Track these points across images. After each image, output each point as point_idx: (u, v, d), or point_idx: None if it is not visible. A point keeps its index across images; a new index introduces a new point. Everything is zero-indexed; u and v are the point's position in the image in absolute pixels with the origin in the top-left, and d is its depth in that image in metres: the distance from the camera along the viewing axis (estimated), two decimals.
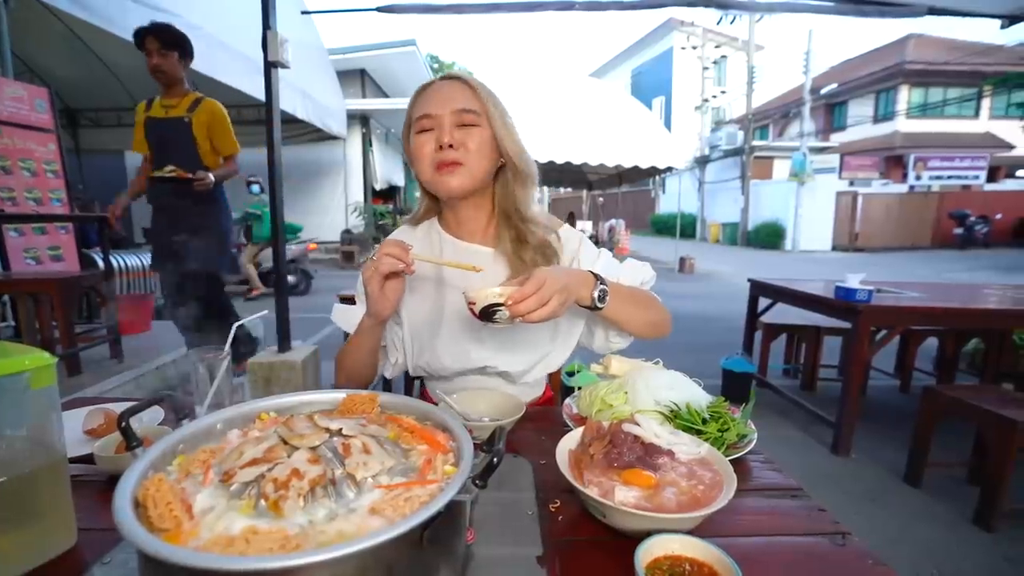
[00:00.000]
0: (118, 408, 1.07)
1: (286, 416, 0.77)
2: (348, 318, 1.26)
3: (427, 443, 0.68)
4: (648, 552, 0.62)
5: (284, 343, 3.31)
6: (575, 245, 1.28)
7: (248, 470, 0.58)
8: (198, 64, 4.40)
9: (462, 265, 1.06)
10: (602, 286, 1.04)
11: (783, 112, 25.60)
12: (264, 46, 3.12)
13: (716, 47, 26.22)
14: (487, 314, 0.93)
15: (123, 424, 0.63)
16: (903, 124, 21.76)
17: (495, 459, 0.56)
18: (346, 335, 1.33)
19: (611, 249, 17.28)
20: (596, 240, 19.91)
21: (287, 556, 0.45)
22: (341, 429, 0.66)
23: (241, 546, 0.48)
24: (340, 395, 0.83)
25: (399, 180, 15.63)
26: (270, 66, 3.17)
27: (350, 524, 0.52)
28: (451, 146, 1.10)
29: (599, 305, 1.04)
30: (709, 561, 0.61)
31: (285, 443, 0.63)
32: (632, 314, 1.14)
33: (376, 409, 0.79)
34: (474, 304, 0.93)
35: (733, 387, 3.69)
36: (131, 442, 0.63)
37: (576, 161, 9.39)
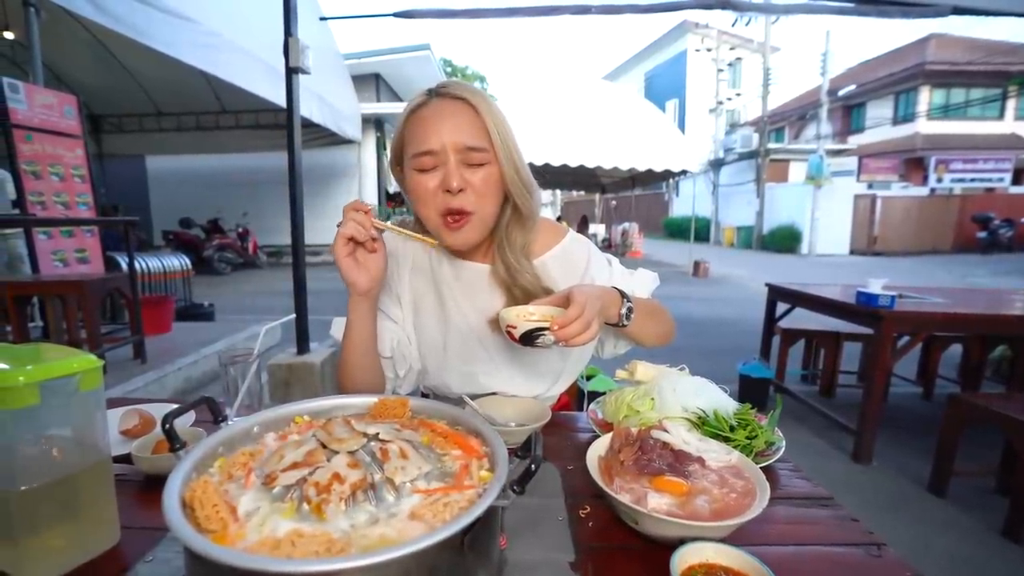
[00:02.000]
0: (152, 409, 1.10)
1: (320, 419, 0.78)
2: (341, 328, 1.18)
3: (460, 448, 0.69)
4: (683, 559, 0.62)
5: (303, 345, 3.34)
6: (582, 258, 1.22)
7: (290, 473, 0.59)
8: (217, 69, 4.48)
9: (421, 238, 1.06)
10: (629, 303, 1.04)
11: (799, 114, 25.38)
12: (286, 53, 3.17)
13: (731, 49, 26.14)
14: (527, 337, 0.91)
15: (167, 426, 0.65)
16: (924, 126, 21.44)
17: (533, 465, 0.57)
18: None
19: (624, 253, 17.15)
20: (609, 243, 19.89)
21: (334, 560, 0.46)
22: (378, 433, 0.67)
23: (287, 548, 0.49)
24: (371, 399, 0.84)
25: None
26: (291, 72, 3.22)
27: (392, 529, 0.53)
28: (461, 189, 1.01)
29: (625, 323, 1.04)
30: (744, 569, 0.61)
31: (324, 447, 0.64)
32: (648, 328, 1.15)
33: (407, 413, 0.80)
34: (514, 328, 0.92)
35: (751, 392, 3.67)
36: (174, 444, 0.65)
37: (589, 164, 9.38)
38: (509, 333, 0.93)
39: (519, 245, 1.14)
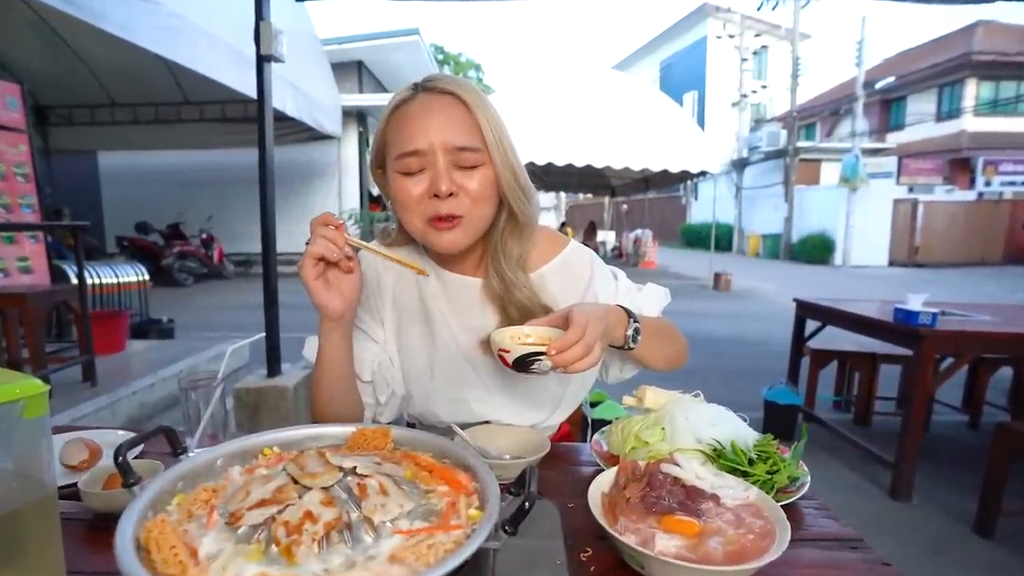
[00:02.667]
0: (101, 438, 1.11)
1: (291, 452, 0.79)
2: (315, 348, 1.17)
3: (448, 483, 0.70)
4: None
5: (273, 366, 3.35)
6: (584, 271, 1.23)
7: (256, 512, 0.60)
8: (180, 56, 4.51)
9: (409, 264, 1.05)
10: (636, 324, 1.05)
11: (832, 109, 25.62)
12: (257, 38, 3.20)
13: (756, 36, 26.33)
14: (522, 363, 0.91)
15: (120, 458, 0.66)
16: (970, 122, 21.64)
17: (527, 503, 0.58)
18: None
19: (636, 263, 17.20)
20: (620, 252, 19.95)
21: None
22: (355, 467, 0.68)
23: None
24: (348, 429, 0.85)
25: None
26: (263, 60, 3.25)
27: (370, 573, 0.54)
28: (451, 194, 1.02)
29: (631, 346, 1.05)
30: None
31: (295, 482, 0.65)
32: (657, 350, 1.16)
33: (389, 445, 0.81)
34: (507, 352, 0.92)
35: (777, 421, 3.68)
36: (128, 478, 0.66)
37: (598, 164, 9.45)
38: (501, 357, 0.94)
39: (515, 256, 1.14)
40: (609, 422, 1.20)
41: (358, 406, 1.15)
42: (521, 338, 0.96)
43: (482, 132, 1.02)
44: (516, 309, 1.13)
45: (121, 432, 1.21)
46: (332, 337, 1.04)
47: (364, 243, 1.03)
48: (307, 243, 0.97)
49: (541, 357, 0.89)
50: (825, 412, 4.12)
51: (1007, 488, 2.59)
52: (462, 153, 1.02)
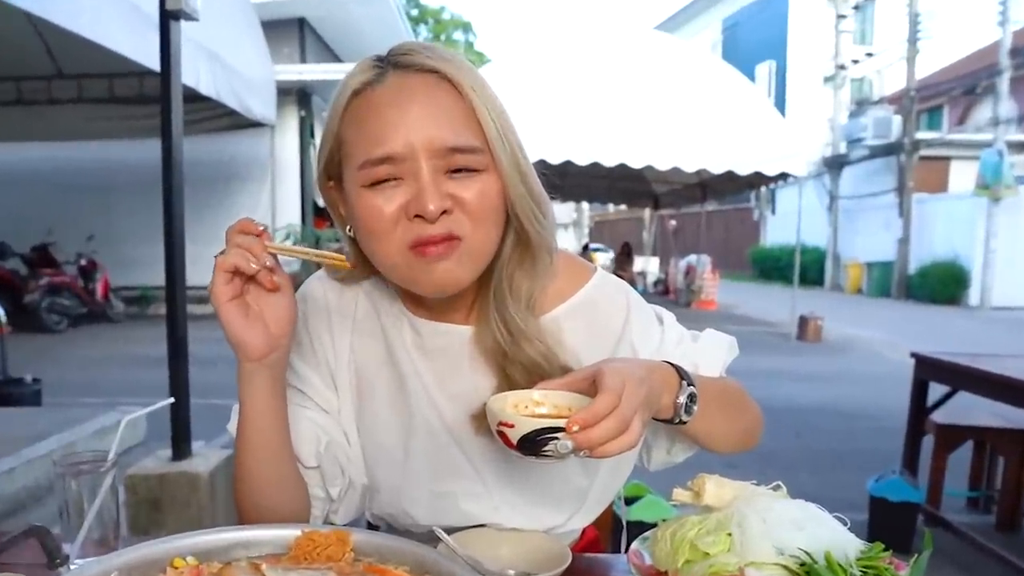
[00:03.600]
0: None
1: (213, 563, 0.81)
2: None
3: None
4: None
5: (182, 445, 3.35)
6: (618, 314, 1.22)
7: None
8: (49, 12, 4.56)
9: (330, 256, 1.06)
10: (690, 388, 1.02)
11: (967, 86, 25.76)
12: None
13: None
14: (531, 443, 0.87)
15: None
16: None
17: None
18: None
19: (689, 302, 17.27)
20: (666, 288, 19.97)
21: None
22: None
23: None
24: (293, 532, 0.86)
25: None
26: (168, 17, 3.31)
27: None
28: (444, 212, 0.98)
29: (684, 418, 1.02)
30: None
31: None
32: (719, 424, 1.15)
33: (348, 555, 0.82)
34: (510, 428, 0.88)
35: (888, 524, 3.66)
36: None
37: (635, 164, 9.50)
38: (502, 434, 0.90)
39: (525, 296, 1.11)
40: (652, 525, 1.21)
41: (302, 499, 1.14)
42: (529, 407, 0.96)
43: (481, 125, 0.99)
44: (522, 370, 1.10)
45: None
46: (255, 387, 1.02)
47: (284, 246, 1.05)
48: (218, 255, 0.95)
49: (558, 435, 0.85)
50: (956, 513, 4.10)
51: None
52: (454, 156, 0.98)
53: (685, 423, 1.03)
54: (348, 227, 1.11)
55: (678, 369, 1.03)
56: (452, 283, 1.03)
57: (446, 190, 0.98)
